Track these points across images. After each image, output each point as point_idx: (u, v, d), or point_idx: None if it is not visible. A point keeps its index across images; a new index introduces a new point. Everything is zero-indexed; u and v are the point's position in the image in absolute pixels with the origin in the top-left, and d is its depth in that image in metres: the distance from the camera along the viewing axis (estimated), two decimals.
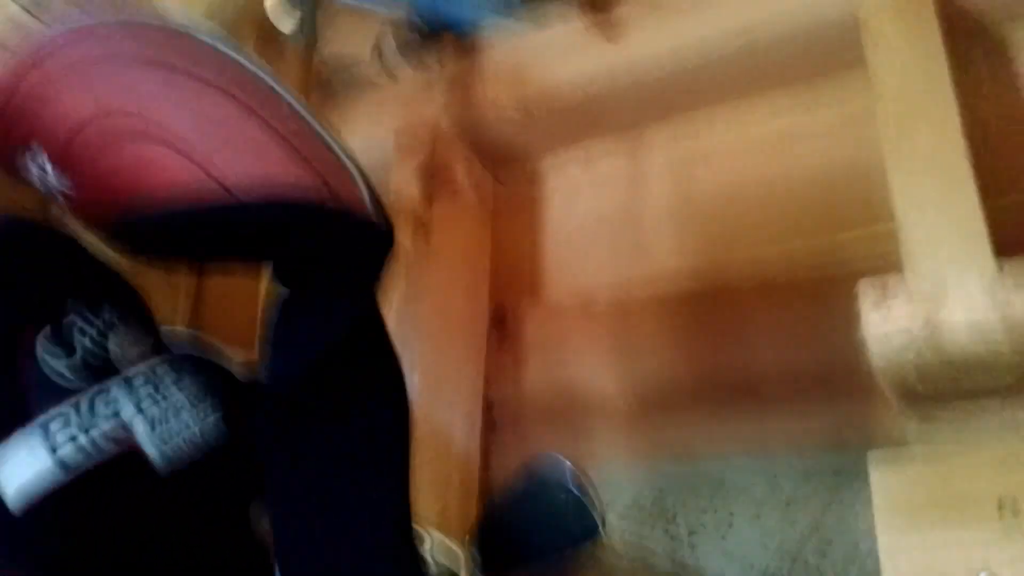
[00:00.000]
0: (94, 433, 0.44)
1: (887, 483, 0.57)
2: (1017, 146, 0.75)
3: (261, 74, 0.49)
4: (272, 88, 0.48)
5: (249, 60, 0.49)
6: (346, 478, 0.48)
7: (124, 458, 0.44)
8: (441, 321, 0.91)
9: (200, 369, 0.53)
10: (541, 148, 0.99)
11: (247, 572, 0.49)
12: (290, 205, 0.44)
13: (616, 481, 0.85)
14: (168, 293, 1.12)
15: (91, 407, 0.45)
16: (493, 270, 0.99)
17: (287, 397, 0.48)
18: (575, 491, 0.61)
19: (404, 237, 0.93)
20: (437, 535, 0.57)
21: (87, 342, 0.46)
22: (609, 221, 0.94)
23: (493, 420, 0.93)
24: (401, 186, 0.96)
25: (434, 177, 0.96)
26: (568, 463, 0.63)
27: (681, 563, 0.80)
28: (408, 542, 0.50)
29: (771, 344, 0.82)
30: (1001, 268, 0.47)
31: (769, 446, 0.79)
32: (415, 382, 0.85)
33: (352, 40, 1.06)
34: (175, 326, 1.06)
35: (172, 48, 0.46)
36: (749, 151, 0.88)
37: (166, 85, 0.45)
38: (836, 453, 0.76)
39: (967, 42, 0.76)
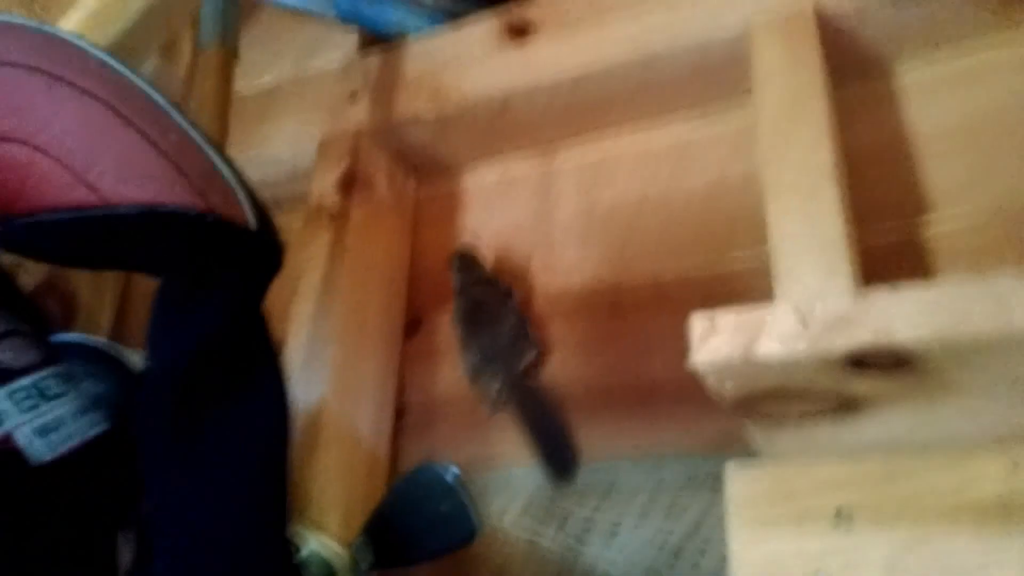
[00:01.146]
0: None
1: (738, 491, 0.62)
2: (890, 176, 0.81)
3: (145, 87, 0.50)
4: (156, 102, 0.50)
5: (133, 73, 0.51)
6: (222, 474, 0.51)
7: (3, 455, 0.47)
8: (356, 324, 0.94)
9: (94, 378, 0.56)
10: (460, 158, 1.03)
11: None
12: (165, 217, 0.46)
13: (515, 482, 0.89)
14: (94, 294, 1.14)
15: None
16: (411, 277, 1.03)
17: (165, 392, 0.50)
18: (456, 495, 0.65)
19: (323, 242, 0.96)
20: (320, 537, 0.61)
21: None
22: (521, 232, 0.98)
23: (404, 424, 0.97)
24: (322, 193, 0.99)
25: (355, 184, 0.99)
26: (453, 468, 0.67)
27: (572, 561, 0.84)
28: (281, 541, 0.53)
29: (664, 358, 0.86)
30: (818, 306, 0.52)
31: (657, 451, 0.84)
32: (327, 382, 0.89)
33: (276, 45, 1.09)
34: (99, 326, 1.08)
35: (53, 55, 0.48)
36: (650, 168, 0.92)
37: (46, 92, 0.47)
38: (717, 458, 0.80)
39: (847, 72, 0.81)
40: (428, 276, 1.03)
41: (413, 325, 1.01)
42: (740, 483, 0.62)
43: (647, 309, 0.89)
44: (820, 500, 0.59)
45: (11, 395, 0.48)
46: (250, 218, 0.51)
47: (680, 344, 0.88)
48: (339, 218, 0.97)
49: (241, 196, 0.50)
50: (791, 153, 0.72)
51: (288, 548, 0.54)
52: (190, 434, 0.51)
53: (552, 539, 0.86)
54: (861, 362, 0.49)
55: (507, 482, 0.89)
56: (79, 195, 0.45)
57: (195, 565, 0.50)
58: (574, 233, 0.95)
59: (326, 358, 0.89)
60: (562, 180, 0.97)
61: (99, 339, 0.67)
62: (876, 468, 0.58)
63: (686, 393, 0.85)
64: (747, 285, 0.85)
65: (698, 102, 0.90)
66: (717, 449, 0.82)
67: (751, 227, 0.86)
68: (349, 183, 0.99)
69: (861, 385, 0.52)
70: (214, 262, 0.50)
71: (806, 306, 0.52)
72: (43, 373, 0.51)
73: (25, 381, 0.49)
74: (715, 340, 0.53)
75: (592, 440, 0.87)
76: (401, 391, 0.98)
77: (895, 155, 0.83)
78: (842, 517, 0.58)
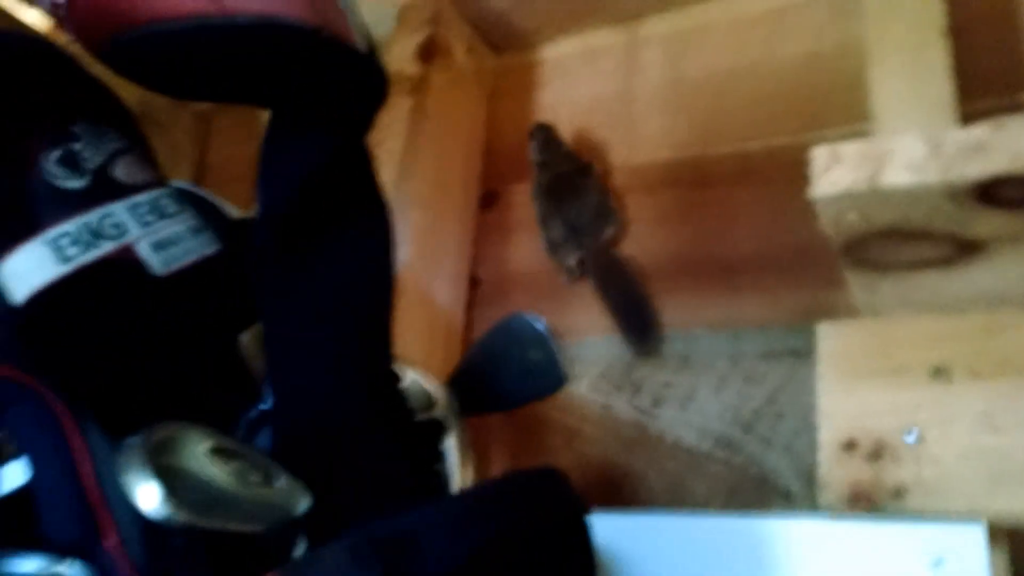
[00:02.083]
0: (101, 249, 0.48)
1: (831, 346, 0.61)
2: (997, 46, 0.77)
3: None
4: None
5: None
6: (333, 308, 0.52)
7: (122, 265, 0.48)
8: (437, 190, 0.94)
9: (200, 205, 0.57)
10: (540, 29, 1.01)
11: (227, 389, 0.53)
12: (282, 29, 0.46)
13: (589, 351, 0.90)
14: (170, 160, 1.16)
15: (98, 225, 0.48)
16: (487, 149, 1.02)
17: (276, 227, 0.51)
18: (545, 345, 0.66)
19: (403, 108, 0.96)
20: (415, 372, 0.62)
21: (94, 164, 0.49)
22: (602, 104, 0.97)
23: (477, 295, 0.98)
24: (401, 61, 0.98)
25: (435, 53, 0.98)
26: (541, 319, 0.67)
27: (643, 429, 0.86)
28: (389, 370, 0.54)
29: (748, 229, 0.86)
30: (950, 134, 0.50)
31: (735, 324, 0.84)
32: (408, 245, 0.90)
33: None
34: None
35: None
36: (741, 37, 0.89)
37: None
38: (797, 333, 0.80)
39: None
40: (504, 150, 1.02)
41: (489, 198, 1.01)
42: (833, 339, 0.62)
43: (732, 182, 0.87)
44: (918, 354, 0.59)
45: (130, 209, 0.49)
46: (360, 43, 0.51)
47: (764, 217, 0.88)
48: (419, 86, 0.96)
49: (353, 20, 0.50)
50: (899, 12, 0.69)
51: (395, 377, 0.55)
52: (301, 266, 0.52)
53: (626, 405, 0.87)
54: (990, 194, 0.48)
55: (582, 351, 0.90)
56: (197, 5, 0.45)
57: (309, 393, 0.51)
58: (658, 105, 0.93)
59: (407, 222, 0.90)
60: (647, 50, 0.95)
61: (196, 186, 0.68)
62: (977, 322, 0.57)
63: (768, 266, 0.85)
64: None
65: None
66: (797, 322, 0.82)
67: (845, 99, 0.83)
68: (429, 51, 0.98)
69: (984, 223, 0.51)
70: (324, 84, 0.50)
71: (938, 133, 0.50)
72: (158, 192, 0.52)
73: (142, 197, 0.50)
74: (838, 170, 0.52)
75: (670, 311, 0.87)
76: (475, 263, 0.99)
77: (1004, 24, 0.79)
78: (940, 370, 0.58)
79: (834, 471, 0.59)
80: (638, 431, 0.86)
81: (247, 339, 0.61)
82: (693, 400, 0.84)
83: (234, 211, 0.63)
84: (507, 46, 1.04)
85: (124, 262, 0.48)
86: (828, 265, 0.80)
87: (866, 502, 0.59)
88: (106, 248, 0.47)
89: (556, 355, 0.66)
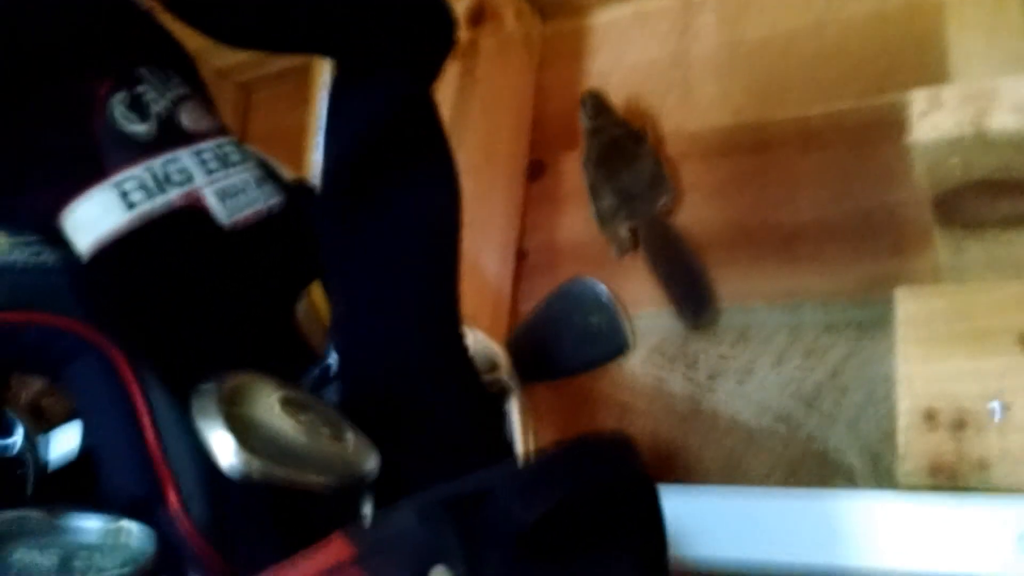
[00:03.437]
0: (167, 195, 0.46)
1: (911, 316, 0.59)
2: None
3: None
4: None
5: None
6: (401, 258, 0.50)
7: (190, 214, 0.46)
8: (486, 157, 0.92)
9: (259, 156, 0.55)
10: None
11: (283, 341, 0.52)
12: None
13: (642, 325, 0.87)
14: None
15: (164, 171, 0.47)
16: (536, 118, 1.00)
17: (343, 175, 0.50)
18: (607, 309, 0.64)
19: (452, 73, 0.94)
20: (478, 333, 0.60)
21: (160, 109, 0.48)
22: (656, 70, 0.94)
23: (524, 266, 0.96)
24: None
25: (483, 18, 0.96)
26: (601, 284, 0.65)
27: (698, 405, 0.83)
28: (455, 326, 0.52)
29: (809, 198, 0.83)
30: None
31: (796, 296, 0.81)
32: None
33: None
34: None
35: None
36: None
37: None
38: (861, 306, 0.78)
39: None
40: (553, 118, 0.99)
41: (536, 168, 0.99)
42: (912, 304, 0.59)
43: (792, 148, 0.84)
44: (1003, 320, 0.56)
45: (195, 156, 0.48)
46: None
47: (826, 185, 0.84)
48: (468, 50, 0.94)
49: None
50: None
51: (461, 336, 0.53)
52: (368, 216, 0.50)
53: (681, 379, 0.84)
54: None
55: (634, 325, 0.87)
56: None
57: (377, 346, 0.49)
58: (714, 69, 0.90)
59: None
60: (703, 12, 0.92)
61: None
62: None
63: (830, 236, 0.82)
64: (905, 126, 0.80)
65: None
66: (860, 293, 0.79)
67: (912, 61, 0.80)
68: (478, 16, 0.96)
69: None
70: (393, 28, 0.48)
71: None
72: (221, 140, 0.50)
73: (206, 145, 0.49)
74: (939, 115, 0.49)
75: (727, 282, 0.85)
76: (523, 234, 0.97)
77: None
78: None
79: (914, 442, 0.56)
80: (693, 406, 0.83)
81: (302, 309, 0.59)
82: (751, 374, 0.82)
83: (287, 173, 0.61)
84: (556, 12, 1.01)
85: (193, 210, 0.47)
86: (893, 234, 0.78)
87: (947, 475, 0.56)
88: (172, 195, 0.46)
89: (619, 320, 0.64)
